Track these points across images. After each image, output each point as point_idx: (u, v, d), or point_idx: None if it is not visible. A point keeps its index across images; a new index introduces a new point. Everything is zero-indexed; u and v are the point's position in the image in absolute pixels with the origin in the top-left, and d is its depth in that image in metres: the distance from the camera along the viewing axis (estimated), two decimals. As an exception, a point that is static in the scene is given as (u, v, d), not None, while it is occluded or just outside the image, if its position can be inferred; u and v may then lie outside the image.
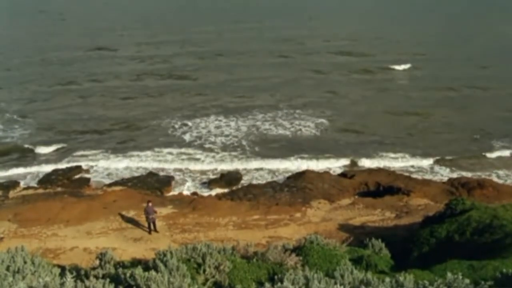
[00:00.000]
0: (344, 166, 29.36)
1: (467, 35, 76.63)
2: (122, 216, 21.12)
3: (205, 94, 44.84)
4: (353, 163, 29.67)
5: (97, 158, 30.99)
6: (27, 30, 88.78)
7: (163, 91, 46.71)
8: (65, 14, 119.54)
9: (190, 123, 37.30)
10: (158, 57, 62.60)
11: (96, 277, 8.12)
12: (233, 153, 31.66)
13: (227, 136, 34.62)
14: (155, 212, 19.62)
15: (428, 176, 27.77)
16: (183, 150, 32.35)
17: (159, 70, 55.86)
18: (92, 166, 29.80)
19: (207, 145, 33.03)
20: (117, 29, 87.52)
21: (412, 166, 29.38)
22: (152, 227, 19.61)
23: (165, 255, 8.76)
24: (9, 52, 67.77)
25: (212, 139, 34.09)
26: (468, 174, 27.90)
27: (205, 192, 26.17)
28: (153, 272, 7.69)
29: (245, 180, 27.64)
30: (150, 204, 19.56)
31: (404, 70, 53.94)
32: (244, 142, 33.42)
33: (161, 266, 8.26)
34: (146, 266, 8.81)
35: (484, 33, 77.46)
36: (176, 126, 36.78)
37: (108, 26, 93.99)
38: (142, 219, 20.67)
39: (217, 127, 36.37)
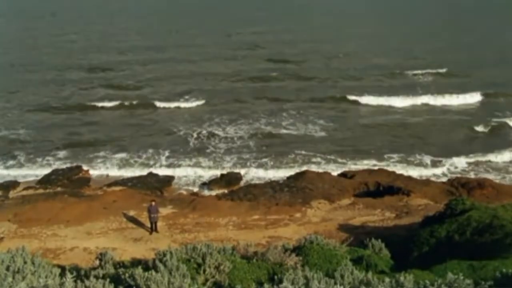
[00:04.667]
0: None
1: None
2: (122, 216, 21.13)
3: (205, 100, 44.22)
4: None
5: (98, 159, 30.99)
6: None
7: (164, 93, 46.67)
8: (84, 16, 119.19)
9: (190, 124, 37.35)
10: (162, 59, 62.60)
11: (96, 277, 8.12)
12: (234, 154, 31.72)
13: (228, 137, 34.72)
14: (158, 212, 19.67)
15: (428, 176, 27.75)
16: (183, 149, 32.40)
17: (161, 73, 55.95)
18: (92, 166, 29.80)
19: (208, 145, 33.07)
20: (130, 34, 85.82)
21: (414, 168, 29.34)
22: (153, 227, 19.65)
23: (165, 255, 8.77)
24: (14, 52, 68.03)
25: (214, 139, 34.12)
26: (468, 174, 27.92)
27: (205, 192, 26.19)
28: (153, 272, 7.69)
29: (245, 180, 27.62)
30: (153, 203, 19.60)
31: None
32: (247, 143, 33.51)
33: (161, 266, 8.26)
34: (146, 266, 8.81)
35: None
36: (178, 127, 36.81)
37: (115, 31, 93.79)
38: (142, 219, 20.70)
39: (218, 130, 36.35)
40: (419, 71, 52.17)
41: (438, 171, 28.94)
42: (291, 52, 64.00)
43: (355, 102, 41.95)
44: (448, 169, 29.09)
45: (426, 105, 41.61)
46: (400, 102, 41.85)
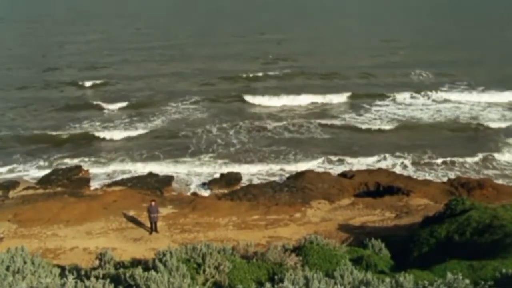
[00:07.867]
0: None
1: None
2: (122, 216, 21.13)
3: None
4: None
5: (98, 159, 30.98)
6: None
7: (164, 92, 46.67)
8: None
9: (190, 126, 37.37)
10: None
11: (96, 277, 8.12)
12: (234, 154, 31.70)
13: (228, 138, 34.77)
14: (158, 212, 19.68)
15: (428, 176, 27.75)
16: (183, 149, 32.39)
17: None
18: (92, 166, 29.79)
19: (207, 146, 33.07)
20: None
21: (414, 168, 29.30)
22: (153, 227, 19.65)
23: (165, 255, 8.77)
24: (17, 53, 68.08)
25: (214, 140, 34.13)
26: (468, 174, 27.91)
27: (205, 192, 26.19)
28: (153, 272, 7.70)
29: (245, 180, 27.61)
30: (153, 203, 19.59)
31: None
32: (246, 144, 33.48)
33: (160, 266, 8.27)
34: (146, 266, 8.82)
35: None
36: (178, 128, 36.86)
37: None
38: (142, 219, 20.70)
39: (218, 129, 36.37)
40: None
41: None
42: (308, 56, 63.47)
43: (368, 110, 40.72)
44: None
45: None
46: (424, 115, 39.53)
